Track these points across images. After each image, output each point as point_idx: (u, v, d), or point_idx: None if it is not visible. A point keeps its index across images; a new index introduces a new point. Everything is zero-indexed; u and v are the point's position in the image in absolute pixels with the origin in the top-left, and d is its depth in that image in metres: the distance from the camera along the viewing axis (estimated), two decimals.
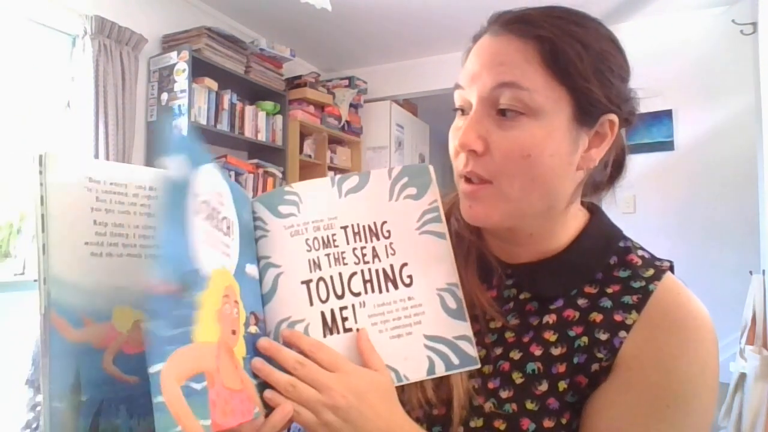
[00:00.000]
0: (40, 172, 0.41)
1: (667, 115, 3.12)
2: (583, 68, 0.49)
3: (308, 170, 3.58)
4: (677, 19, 3.15)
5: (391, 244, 0.55)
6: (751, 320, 2.26)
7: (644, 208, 3.10)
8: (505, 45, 0.51)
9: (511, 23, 0.51)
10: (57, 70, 2.42)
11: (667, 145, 3.13)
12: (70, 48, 2.45)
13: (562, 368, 0.52)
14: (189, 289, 0.41)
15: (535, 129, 0.50)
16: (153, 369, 0.37)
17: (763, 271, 2.37)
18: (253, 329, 0.50)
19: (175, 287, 0.39)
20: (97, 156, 2.32)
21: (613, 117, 0.52)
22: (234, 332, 0.46)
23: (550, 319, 0.54)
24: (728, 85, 3.00)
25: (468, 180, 0.53)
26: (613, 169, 0.60)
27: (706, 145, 3.06)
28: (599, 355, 0.50)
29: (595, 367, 0.50)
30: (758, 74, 2.51)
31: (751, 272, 2.40)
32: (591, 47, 0.50)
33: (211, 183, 0.47)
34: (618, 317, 0.51)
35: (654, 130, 3.13)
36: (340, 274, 0.54)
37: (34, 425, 1.95)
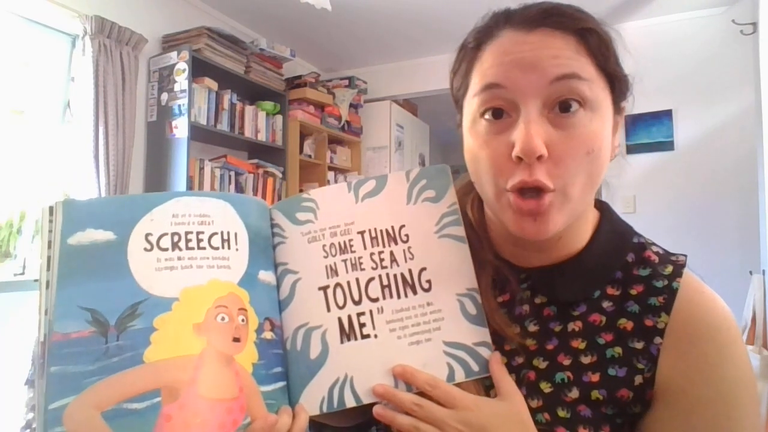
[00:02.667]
0: (51, 221, 0.47)
1: (667, 115, 3.12)
2: (617, 56, 0.50)
3: (308, 170, 3.58)
4: (677, 19, 3.15)
5: (409, 248, 0.53)
6: (751, 320, 2.26)
7: (644, 208, 3.10)
8: (549, 38, 0.48)
9: (545, 17, 0.48)
10: (57, 70, 2.42)
11: (667, 145, 3.13)
12: (70, 48, 2.45)
13: (594, 377, 0.50)
14: (132, 319, 0.45)
15: (595, 122, 0.48)
16: (53, 405, 0.42)
17: (763, 271, 2.37)
18: (268, 335, 0.51)
19: (89, 331, 0.44)
20: (97, 156, 2.32)
21: (625, 103, 0.53)
22: (237, 340, 0.47)
23: (575, 326, 0.52)
24: (728, 85, 3.00)
25: (521, 193, 0.48)
26: None
27: (706, 145, 3.06)
28: (640, 366, 0.49)
29: (638, 379, 0.49)
30: (758, 74, 2.51)
31: (751, 272, 2.40)
32: (610, 34, 0.51)
33: (183, 211, 0.50)
34: (649, 322, 0.50)
35: (654, 130, 3.13)
36: (357, 279, 0.53)
37: (34, 425, 1.95)
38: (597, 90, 0.48)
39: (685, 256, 0.54)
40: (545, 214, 0.48)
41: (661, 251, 0.55)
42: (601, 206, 0.59)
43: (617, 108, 0.52)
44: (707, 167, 3.04)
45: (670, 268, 0.52)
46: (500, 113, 0.49)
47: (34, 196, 2.32)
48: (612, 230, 0.56)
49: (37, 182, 2.33)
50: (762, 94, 2.40)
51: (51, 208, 0.46)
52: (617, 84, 0.51)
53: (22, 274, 2.24)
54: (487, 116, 0.50)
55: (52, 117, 2.40)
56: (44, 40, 2.37)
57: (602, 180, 0.52)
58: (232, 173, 3.02)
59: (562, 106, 0.47)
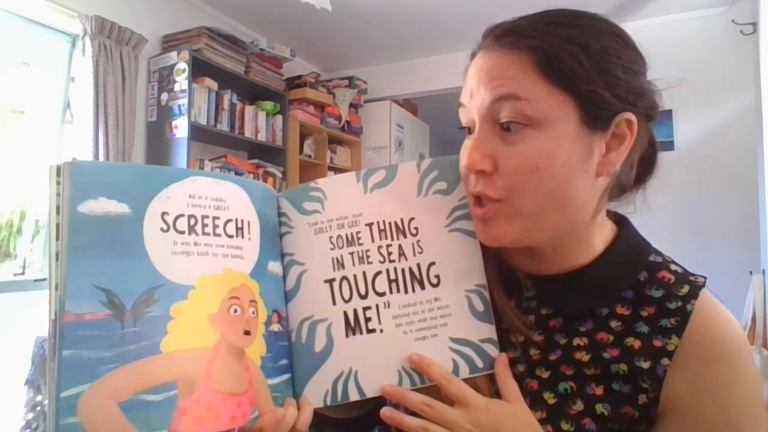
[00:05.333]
0: (58, 183, 0.43)
1: (667, 115, 3.12)
2: (584, 71, 0.47)
3: (308, 170, 3.58)
4: (677, 19, 3.15)
5: (418, 242, 0.52)
6: (751, 320, 2.26)
7: (644, 208, 3.10)
8: (498, 59, 0.49)
9: (502, 36, 0.50)
10: (57, 70, 2.42)
11: (667, 145, 3.13)
12: (70, 48, 2.45)
13: (598, 390, 0.49)
14: (149, 305, 0.43)
15: (541, 140, 0.47)
16: (66, 393, 0.39)
17: (763, 271, 2.38)
18: (275, 327, 0.50)
19: (105, 313, 0.41)
20: (97, 156, 2.32)
21: (630, 116, 0.49)
22: (248, 332, 0.47)
23: (581, 341, 0.51)
24: (728, 85, 3.00)
25: (477, 202, 0.51)
26: (641, 169, 0.56)
27: (706, 145, 3.06)
28: (644, 386, 0.48)
29: (642, 399, 0.48)
30: (758, 74, 2.51)
31: (751, 272, 2.41)
32: (590, 47, 0.47)
33: (200, 192, 0.48)
34: (657, 342, 0.49)
35: (654, 130, 3.12)
36: (364, 273, 0.52)
37: (34, 425, 1.95)
38: (543, 108, 0.47)
39: (705, 277, 0.53)
40: (491, 221, 0.50)
41: (679, 270, 0.54)
42: (618, 221, 0.58)
43: (598, 123, 0.48)
44: (707, 167, 3.04)
45: (686, 289, 0.51)
46: (470, 129, 0.52)
47: (34, 196, 2.32)
48: (627, 247, 0.55)
49: (37, 182, 2.33)
50: (762, 94, 2.40)
51: (58, 168, 0.43)
52: (586, 101, 0.47)
53: (22, 274, 2.24)
54: (466, 131, 0.53)
55: (52, 117, 2.40)
56: (44, 40, 2.37)
57: (577, 198, 0.50)
58: (232, 173, 3.01)
59: (503, 125, 0.48)
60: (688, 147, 3.10)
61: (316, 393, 0.50)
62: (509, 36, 0.49)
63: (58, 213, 0.43)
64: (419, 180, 0.54)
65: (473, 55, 0.53)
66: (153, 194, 0.45)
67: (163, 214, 0.45)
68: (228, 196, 0.49)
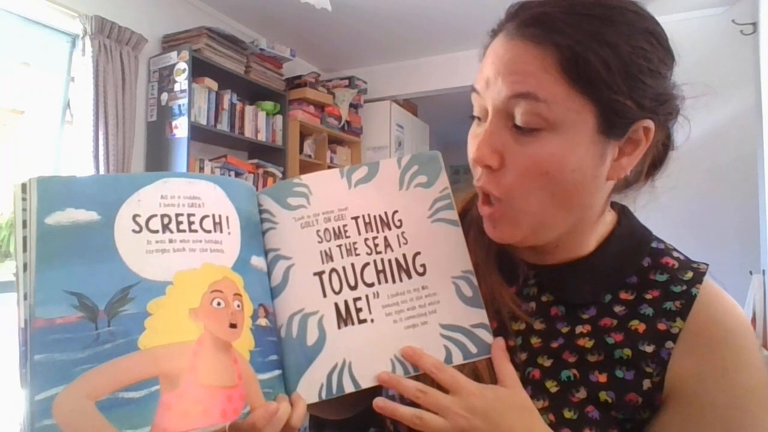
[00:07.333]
0: (24, 199, 0.44)
1: None
2: (610, 76, 0.44)
3: (308, 170, 3.57)
4: (677, 19, 3.15)
5: (403, 233, 0.54)
6: (751, 320, 2.26)
7: (644, 208, 3.10)
8: (521, 52, 0.46)
9: (528, 25, 0.46)
10: (57, 70, 2.42)
11: None
12: (70, 48, 2.45)
13: (602, 378, 0.49)
14: (124, 304, 0.43)
15: (555, 144, 0.46)
16: (39, 396, 0.39)
17: (763, 271, 2.38)
18: (263, 322, 0.49)
19: (76, 316, 0.41)
20: (97, 156, 2.32)
21: (649, 123, 0.48)
22: (234, 326, 0.46)
23: (584, 329, 0.52)
24: (728, 85, 3.00)
25: (485, 200, 0.51)
26: (650, 166, 0.57)
27: (706, 145, 3.05)
28: (648, 370, 0.48)
29: (647, 384, 0.48)
30: (758, 74, 2.52)
31: (751, 272, 2.41)
32: (621, 49, 0.45)
33: (172, 192, 0.48)
34: (662, 326, 0.49)
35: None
36: (352, 264, 0.53)
37: None
38: (561, 111, 0.45)
39: (707, 264, 0.53)
40: (499, 222, 0.51)
41: (682, 257, 0.54)
42: (618, 209, 0.58)
43: (615, 131, 0.47)
44: (707, 167, 3.03)
45: (690, 274, 0.51)
46: (481, 118, 0.51)
47: None
48: (628, 234, 0.56)
49: None
50: (762, 94, 2.40)
51: (24, 186, 0.43)
52: (607, 108, 0.46)
53: None
54: (475, 118, 0.52)
55: (52, 117, 2.40)
56: (44, 40, 2.37)
57: (585, 201, 0.50)
58: (233, 173, 3.01)
59: (517, 124, 0.47)
60: (688, 147, 3.08)
61: (311, 387, 0.50)
62: (536, 26, 0.46)
63: (24, 227, 0.43)
64: (400, 175, 0.56)
65: (494, 34, 0.51)
66: (123, 199, 0.46)
67: (135, 216, 0.45)
68: (202, 194, 0.49)
